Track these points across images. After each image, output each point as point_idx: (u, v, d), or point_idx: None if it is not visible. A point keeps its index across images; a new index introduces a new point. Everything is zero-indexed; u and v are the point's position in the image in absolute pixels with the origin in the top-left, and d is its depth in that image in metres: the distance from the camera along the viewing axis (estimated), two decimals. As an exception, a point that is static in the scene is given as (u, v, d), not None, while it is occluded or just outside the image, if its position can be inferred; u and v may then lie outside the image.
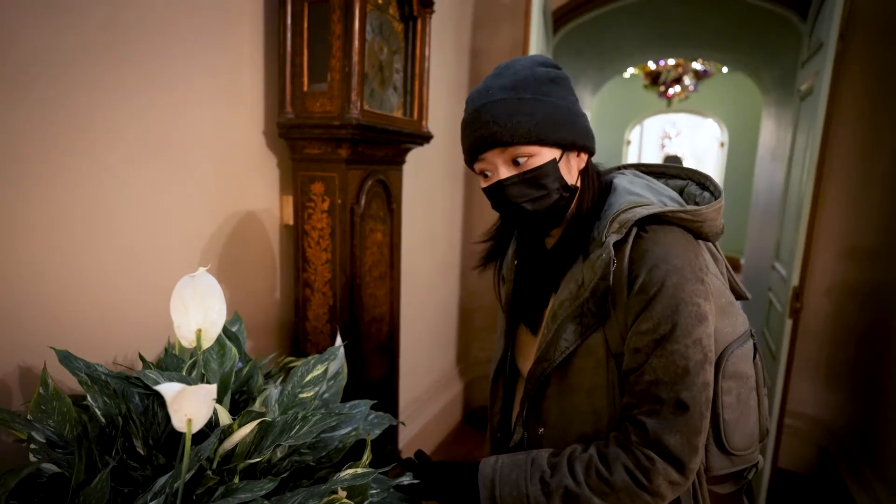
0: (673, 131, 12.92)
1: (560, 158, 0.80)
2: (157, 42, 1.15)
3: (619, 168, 0.97)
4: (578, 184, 0.85)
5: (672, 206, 0.80)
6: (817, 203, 1.99)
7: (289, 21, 1.41)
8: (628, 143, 8.53)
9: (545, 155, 0.79)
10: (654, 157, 12.46)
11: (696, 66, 5.88)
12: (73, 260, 1.04)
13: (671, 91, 6.18)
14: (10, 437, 0.93)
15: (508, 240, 0.99)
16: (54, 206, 1.00)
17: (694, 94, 6.62)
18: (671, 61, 5.84)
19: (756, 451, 0.89)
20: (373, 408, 1.07)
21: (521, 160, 0.79)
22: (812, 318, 2.39)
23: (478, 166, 0.84)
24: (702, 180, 0.90)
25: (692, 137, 12.35)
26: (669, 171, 0.94)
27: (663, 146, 12.87)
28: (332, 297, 1.52)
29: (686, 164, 8.24)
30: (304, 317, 1.58)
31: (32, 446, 0.74)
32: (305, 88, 1.43)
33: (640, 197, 0.81)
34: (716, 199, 0.85)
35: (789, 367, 2.12)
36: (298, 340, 1.60)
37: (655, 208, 0.78)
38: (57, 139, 0.99)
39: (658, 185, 0.88)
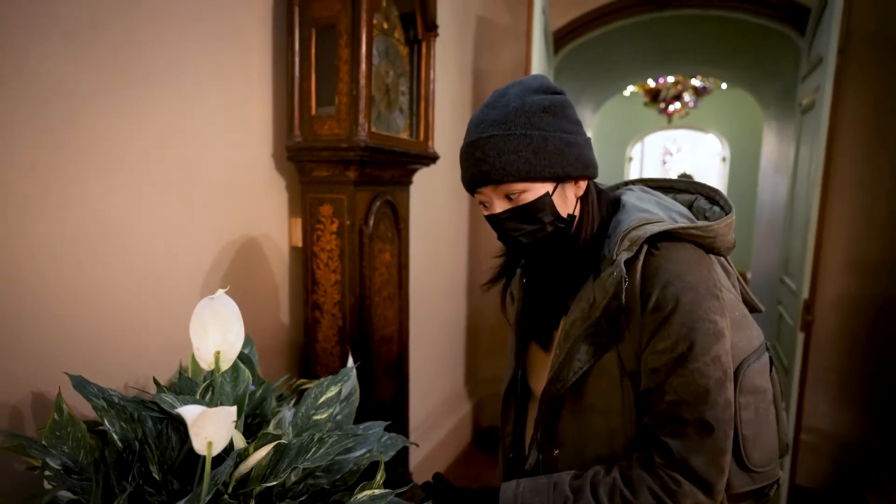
0: (674, 147, 12.99)
1: (554, 191, 0.80)
2: (166, 67, 1.17)
3: (626, 184, 0.96)
4: (577, 211, 0.85)
5: (683, 223, 0.80)
6: (824, 216, 1.99)
7: (297, 46, 1.44)
8: (630, 159, 8.58)
9: (537, 190, 0.79)
10: (655, 174, 12.52)
11: (696, 82, 5.94)
12: (82, 284, 1.05)
13: (671, 108, 6.23)
14: (22, 464, 0.92)
15: (519, 258, 0.99)
16: (64, 229, 1.01)
17: (694, 111, 6.68)
18: (671, 78, 5.90)
19: (776, 467, 0.87)
20: (384, 429, 1.06)
21: (512, 194, 0.80)
22: (822, 331, 2.37)
23: (477, 197, 0.86)
24: (711, 194, 0.89)
25: (693, 153, 12.42)
26: (677, 185, 0.94)
27: (664, 162, 12.93)
28: (341, 318, 1.52)
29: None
30: (314, 339, 1.57)
31: (47, 473, 0.74)
32: (313, 112, 1.45)
33: (649, 213, 0.80)
34: (726, 213, 0.85)
35: (803, 382, 2.09)
36: (308, 362, 1.59)
37: (666, 225, 0.77)
38: (67, 162, 1.00)
39: (667, 200, 0.88)
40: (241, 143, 1.40)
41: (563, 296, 0.87)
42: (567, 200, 0.83)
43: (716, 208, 0.86)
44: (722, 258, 0.88)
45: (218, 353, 0.59)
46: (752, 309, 0.93)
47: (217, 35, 1.29)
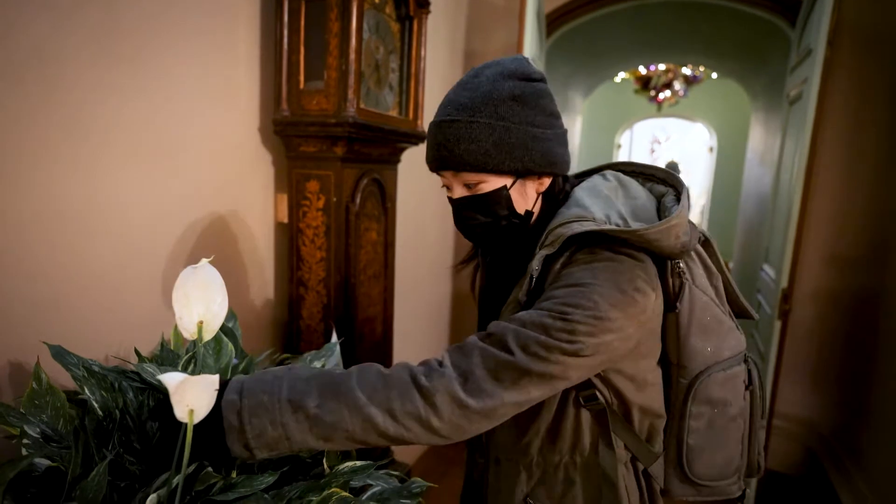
0: (662, 136, 13.05)
1: (512, 185, 0.78)
2: (152, 38, 1.14)
3: (602, 168, 0.92)
4: (536, 207, 0.83)
5: (613, 224, 0.73)
6: (806, 207, 2.02)
7: (286, 18, 1.41)
8: (618, 146, 8.60)
9: (495, 182, 0.78)
10: (643, 161, 12.56)
11: (686, 71, 5.95)
12: (66, 256, 1.03)
13: (661, 96, 6.24)
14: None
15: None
16: (47, 202, 0.99)
17: (684, 100, 6.70)
18: (662, 66, 5.90)
19: (733, 485, 0.85)
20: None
21: (470, 184, 0.78)
22: (798, 321, 2.43)
23: (441, 180, 0.85)
24: (679, 191, 0.82)
25: (681, 142, 12.49)
26: (658, 174, 0.88)
27: (652, 151, 13.00)
28: (326, 295, 1.52)
29: (681, 169, 8.34)
30: (298, 315, 1.57)
31: (25, 441, 0.73)
32: (302, 86, 1.43)
33: (584, 210, 0.76)
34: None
35: (778, 369, 2.14)
36: (292, 339, 1.59)
37: (591, 225, 0.72)
38: (50, 136, 0.98)
39: (634, 190, 0.83)
40: (227, 117, 1.37)
41: (512, 281, 0.85)
42: (526, 196, 0.81)
43: (675, 208, 0.78)
44: (706, 256, 0.84)
45: (201, 322, 0.58)
46: (740, 314, 0.87)
47: (204, 5, 1.26)
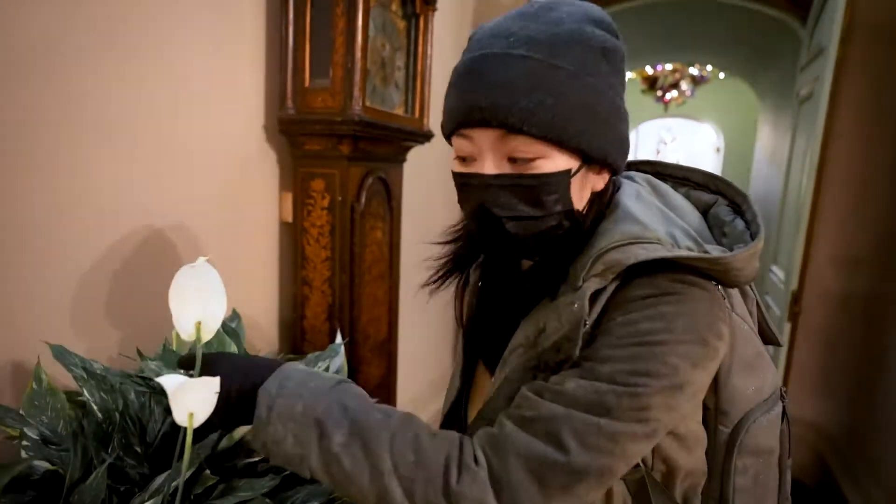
0: (668, 136, 12.99)
1: (576, 172, 0.57)
2: (156, 35, 1.13)
3: (631, 167, 0.73)
4: (585, 210, 0.62)
5: (685, 245, 0.56)
6: (817, 207, 1.99)
7: (291, 16, 1.39)
8: (625, 147, 8.57)
9: (558, 162, 0.56)
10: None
11: (693, 71, 5.92)
12: (68, 254, 1.02)
13: (668, 96, 6.21)
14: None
15: (477, 248, 0.75)
16: (50, 199, 0.98)
17: (691, 100, 6.66)
18: (668, 66, 5.87)
19: None
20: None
21: (522, 157, 0.56)
22: (808, 322, 2.39)
23: (457, 143, 0.60)
24: (737, 201, 0.64)
25: (688, 143, 12.44)
26: (694, 177, 0.69)
27: (658, 151, 12.95)
28: (331, 295, 1.51)
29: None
30: (303, 315, 1.56)
31: (25, 443, 0.72)
32: (307, 84, 1.42)
33: (642, 228, 0.56)
34: (751, 233, 0.59)
35: (787, 372, 2.12)
36: (297, 338, 1.58)
37: (661, 251, 0.54)
38: (54, 132, 0.97)
39: (677, 199, 0.64)
40: (232, 115, 1.36)
41: (518, 310, 0.65)
42: (584, 192, 0.61)
43: (738, 222, 0.61)
44: None
45: (199, 323, 0.57)
46: (769, 341, 0.72)
47: (209, 2, 1.25)
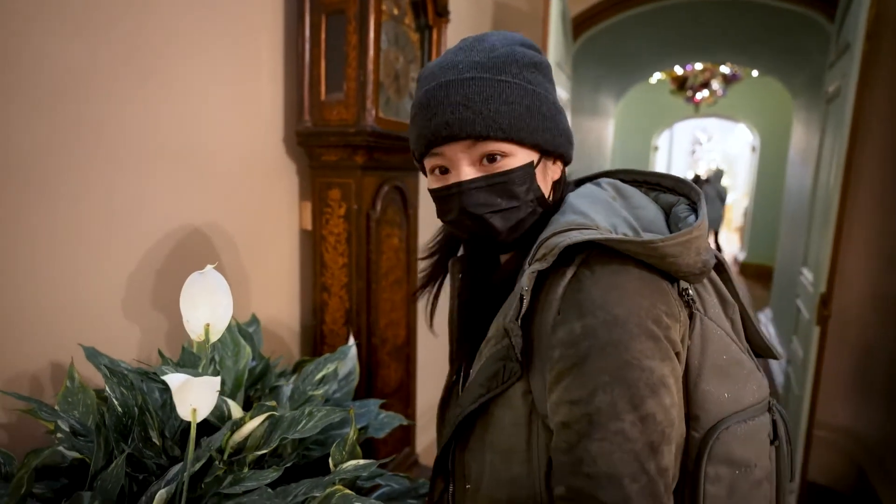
0: (704, 137, 12.67)
1: (538, 163, 0.67)
2: (180, 54, 1.21)
3: (599, 175, 0.78)
4: (550, 197, 0.70)
5: (621, 234, 0.60)
6: (845, 207, 1.93)
7: (307, 33, 1.46)
8: (656, 149, 8.41)
9: (521, 157, 0.65)
10: (683, 164, 12.26)
11: (725, 70, 5.78)
12: (101, 263, 1.10)
13: (698, 96, 6.08)
14: (42, 428, 0.98)
15: (453, 254, 0.83)
16: (82, 212, 1.06)
17: (723, 99, 6.50)
18: (698, 66, 5.75)
19: None
20: (388, 410, 1.09)
21: (497, 158, 0.64)
22: (845, 325, 2.32)
23: (431, 162, 0.68)
24: (694, 199, 0.68)
25: (724, 142, 12.12)
26: (665, 182, 0.74)
27: (693, 152, 12.65)
28: (348, 300, 1.56)
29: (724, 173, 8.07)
30: (322, 320, 1.61)
31: (59, 435, 0.79)
32: (323, 97, 1.48)
33: (584, 217, 0.61)
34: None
35: (817, 377, 2.05)
36: (317, 342, 1.64)
37: (594, 233, 0.58)
38: (84, 149, 1.05)
39: (641, 202, 0.69)
40: (252, 128, 1.43)
41: (496, 303, 0.71)
42: (546, 181, 0.69)
43: (692, 217, 0.65)
44: (721, 285, 0.69)
45: (208, 325, 0.62)
46: (762, 353, 0.72)
47: (229, 21, 1.32)
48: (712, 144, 12.62)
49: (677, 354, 0.59)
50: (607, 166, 5.60)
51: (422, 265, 0.84)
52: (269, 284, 1.55)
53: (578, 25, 2.86)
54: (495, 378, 0.64)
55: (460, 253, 0.82)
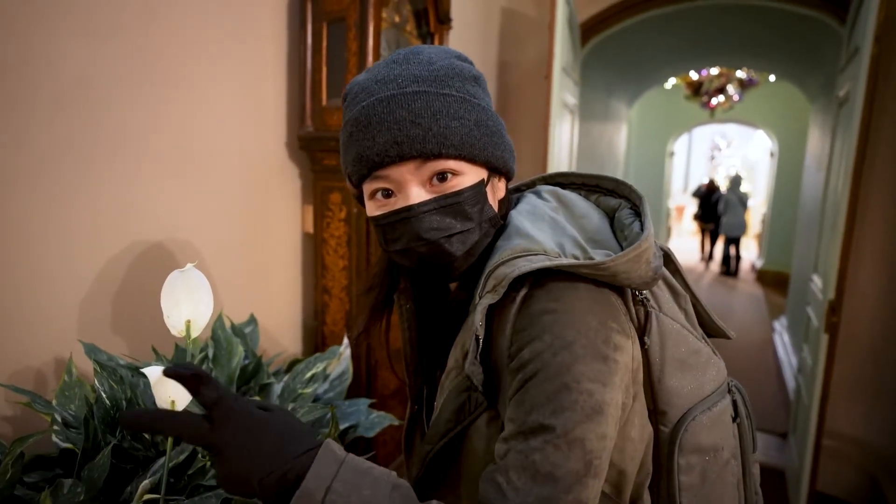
0: (723, 142, 12.51)
1: (488, 182, 0.63)
2: (185, 61, 1.25)
3: (538, 180, 0.76)
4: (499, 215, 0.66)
5: (570, 256, 0.58)
6: (854, 212, 1.90)
7: (309, 40, 1.49)
8: (671, 154, 8.32)
9: (471, 176, 0.61)
10: (702, 170, 12.11)
11: (741, 74, 5.71)
12: (109, 263, 1.14)
13: (714, 101, 6.01)
14: (45, 421, 1.02)
15: (396, 286, 0.75)
16: (89, 215, 1.10)
17: (739, 104, 6.42)
18: (714, 70, 5.70)
19: None
20: (388, 411, 1.11)
21: (447, 177, 0.59)
22: (849, 333, 2.27)
23: (372, 186, 0.61)
24: (636, 203, 0.65)
25: (744, 148, 11.95)
26: (604, 184, 0.71)
27: (713, 157, 12.49)
28: (348, 302, 1.58)
29: (743, 180, 7.92)
30: (323, 321, 1.64)
31: (55, 427, 0.82)
32: (324, 103, 1.51)
33: (529, 241, 0.59)
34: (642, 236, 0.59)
35: (826, 385, 2.02)
36: (318, 344, 1.66)
37: (543, 261, 0.55)
38: (92, 154, 1.09)
39: (583, 210, 0.66)
40: (256, 133, 1.47)
41: (451, 334, 0.68)
42: (495, 199, 0.65)
43: (636, 224, 0.63)
44: (669, 275, 0.69)
45: (189, 321, 0.65)
46: (715, 334, 0.73)
47: (234, 29, 1.36)
48: (732, 150, 12.45)
49: (626, 388, 0.57)
50: (620, 171, 5.56)
51: (363, 302, 0.77)
52: (271, 286, 1.58)
53: (588, 30, 2.86)
54: (462, 411, 0.62)
55: (402, 286, 0.75)
